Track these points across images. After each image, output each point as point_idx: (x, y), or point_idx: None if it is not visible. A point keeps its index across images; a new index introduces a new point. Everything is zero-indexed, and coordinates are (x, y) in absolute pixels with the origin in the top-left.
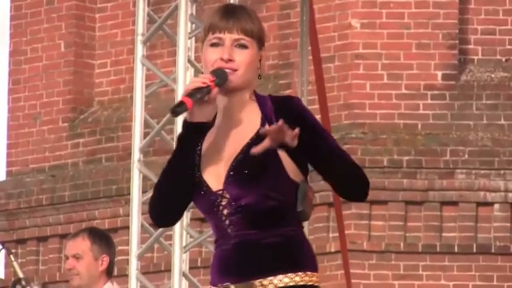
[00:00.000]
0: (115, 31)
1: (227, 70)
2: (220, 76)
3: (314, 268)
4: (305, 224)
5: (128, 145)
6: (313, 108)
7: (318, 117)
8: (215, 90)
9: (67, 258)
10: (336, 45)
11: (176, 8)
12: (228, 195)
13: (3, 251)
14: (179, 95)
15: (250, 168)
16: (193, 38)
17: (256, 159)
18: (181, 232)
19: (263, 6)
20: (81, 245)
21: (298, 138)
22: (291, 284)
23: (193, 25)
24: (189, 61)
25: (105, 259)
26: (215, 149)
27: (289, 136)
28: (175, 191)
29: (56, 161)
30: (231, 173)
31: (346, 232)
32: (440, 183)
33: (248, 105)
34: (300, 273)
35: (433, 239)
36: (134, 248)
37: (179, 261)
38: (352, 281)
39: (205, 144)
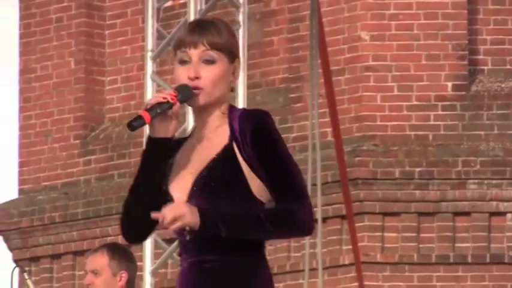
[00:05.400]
0: (125, 48)
1: (194, 90)
2: (183, 92)
3: None
4: (318, 236)
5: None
6: (325, 121)
7: (329, 130)
8: (177, 105)
9: (86, 273)
10: (345, 58)
11: (185, 23)
12: None
13: (17, 269)
14: (190, 112)
15: (213, 184)
16: None
17: (220, 176)
18: None
19: (272, 20)
20: (100, 261)
21: (255, 158)
22: None
23: None
24: None
25: (124, 275)
26: (184, 163)
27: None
28: (140, 208)
29: (68, 178)
30: (195, 188)
31: (359, 244)
32: (453, 194)
33: (219, 120)
34: None
35: (446, 250)
36: (148, 264)
37: None
38: None
39: (177, 158)
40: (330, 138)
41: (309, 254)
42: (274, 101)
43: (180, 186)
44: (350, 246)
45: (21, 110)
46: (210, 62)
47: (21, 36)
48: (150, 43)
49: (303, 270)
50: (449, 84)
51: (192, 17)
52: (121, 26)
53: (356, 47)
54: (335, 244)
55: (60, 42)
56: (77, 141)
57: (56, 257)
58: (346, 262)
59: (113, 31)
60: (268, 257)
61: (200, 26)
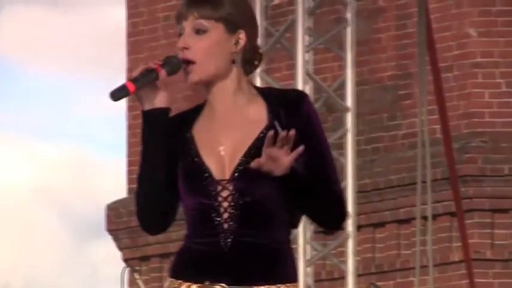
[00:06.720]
0: None
1: (188, 66)
2: (171, 62)
3: (297, 279)
4: (428, 234)
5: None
6: (433, 118)
7: (437, 127)
8: (162, 74)
9: None
10: (454, 55)
11: (293, 21)
12: (231, 188)
13: (127, 269)
14: None
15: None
16: (311, 51)
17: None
18: (304, 245)
19: (380, 17)
20: None
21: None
22: None
23: (311, 38)
24: (308, 74)
25: None
26: (212, 137)
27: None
28: (158, 189)
29: None
30: (241, 166)
31: (469, 241)
32: None
33: (243, 95)
34: (292, 283)
35: None
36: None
37: (303, 274)
38: None
39: (198, 131)
40: (438, 135)
41: (419, 252)
42: (382, 98)
43: (216, 161)
44: (460, 244)
45: (130, 109)
46: (201, 31)
47: (129, 35)
48: (258, 41)
49: (413, 268)
50: None
51: (300, 14)
52: None
53: (464, 43)
54: (445, 241)
55: (168, 40)
56: None
57: (166, 256)
58: (456, 259)
59: None
60: (378, 255)
61: None
